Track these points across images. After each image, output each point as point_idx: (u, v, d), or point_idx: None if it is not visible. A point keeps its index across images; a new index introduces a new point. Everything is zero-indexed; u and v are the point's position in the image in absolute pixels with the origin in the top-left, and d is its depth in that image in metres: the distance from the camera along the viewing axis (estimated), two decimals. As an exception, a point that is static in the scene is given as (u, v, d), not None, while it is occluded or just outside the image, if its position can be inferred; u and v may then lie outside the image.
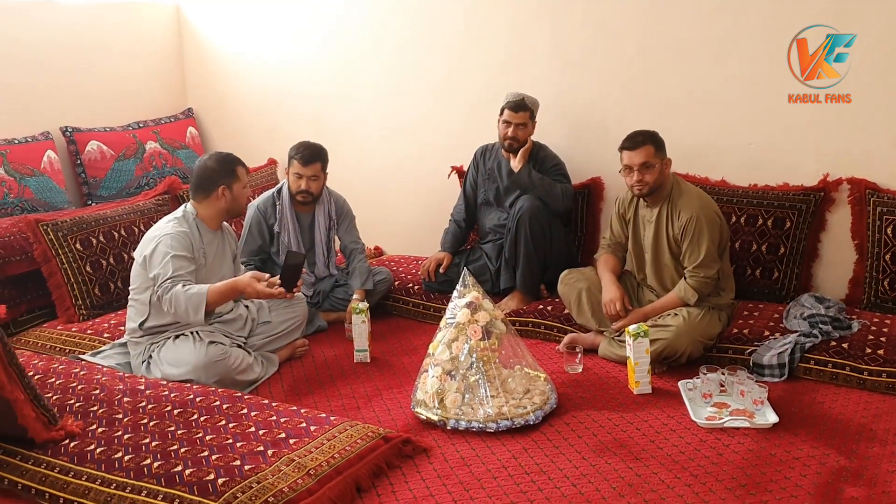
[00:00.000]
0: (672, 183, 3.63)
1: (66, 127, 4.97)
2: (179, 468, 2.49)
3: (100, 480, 2.50)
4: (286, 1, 5.33)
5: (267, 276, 3.38)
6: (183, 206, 3.57)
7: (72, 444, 2.69)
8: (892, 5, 3.70)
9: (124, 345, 3.58)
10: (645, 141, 3.54)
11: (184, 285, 3.28)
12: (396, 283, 4.52)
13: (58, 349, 3.77)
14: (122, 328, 3.69)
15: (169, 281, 3.28)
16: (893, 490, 2.51)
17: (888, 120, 3.77)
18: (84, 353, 3.60)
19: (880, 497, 2.47)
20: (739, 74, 4.03)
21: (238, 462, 2.51)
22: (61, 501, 2.51)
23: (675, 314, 3.51)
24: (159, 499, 2.38)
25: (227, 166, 3.55)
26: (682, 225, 3.54)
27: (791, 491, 2.52)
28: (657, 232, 3.65)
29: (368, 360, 3.76)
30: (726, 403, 3.10)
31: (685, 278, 3.57)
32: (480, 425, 2.97)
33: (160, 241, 3.36)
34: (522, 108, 4.15)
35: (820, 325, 3.47)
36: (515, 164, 4.16)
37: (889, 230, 3.70)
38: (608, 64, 4.36)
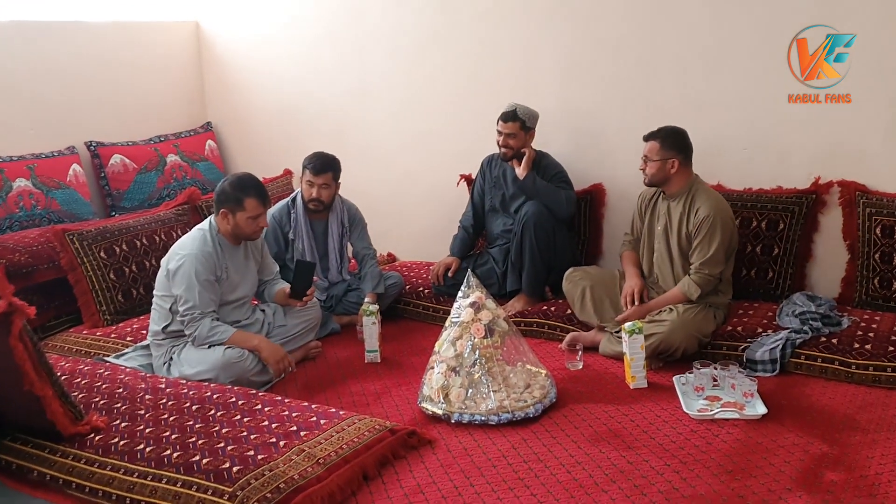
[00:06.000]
0: (693, 182, 3.79)
1: (90, 141, 5.18)
2: (197, 458, 2.67)
3: (123, 470, 2.69)
4: (302, 17, 5.50)
5: (291, 359, 3.74)
6: (208, 219, 3.74)
7: (97, 438, 2.88)
8: (891, 5, 3.78)
9: (146, 347, 3.77)
10: (650, 137, 3.81)
11: (211, 320, 3.55)
12: (407, 286, 4.66)
13: (83, 352, 3.94)
14: (144, 332, 3.87)
15: (199, 313, 3.53)
16: (871, 474, 2.65)
17: (878, 121, 3.88)
18: (108, 356, 3.79)
19: (857, 480, 2.61)
20: (734, 80, 4.15)
21: (252, 452, 2.68)
22: (87, 490, 2.69)
23: (671, 310, 3.66)
24: (178, 486, 2.56)
25: (236, 194, 3.61)
26: (698, 221, 3.68)
27: (774, 476, 2.66)
28: (670, 225, 3.81)
29: (379, 361, 3.90)
30: (718, 397, 3.23)
31: (690, 274, 3.71)
32: (483, 418, 3.12)
33: (185, 259, 3.55)
34: (511, 119, 4.30)
35: (810, 322, 3.60)
36: (520, 171, 4.30)
37: (878, 230, 3.82)
38: (608, 76, 4.50)
